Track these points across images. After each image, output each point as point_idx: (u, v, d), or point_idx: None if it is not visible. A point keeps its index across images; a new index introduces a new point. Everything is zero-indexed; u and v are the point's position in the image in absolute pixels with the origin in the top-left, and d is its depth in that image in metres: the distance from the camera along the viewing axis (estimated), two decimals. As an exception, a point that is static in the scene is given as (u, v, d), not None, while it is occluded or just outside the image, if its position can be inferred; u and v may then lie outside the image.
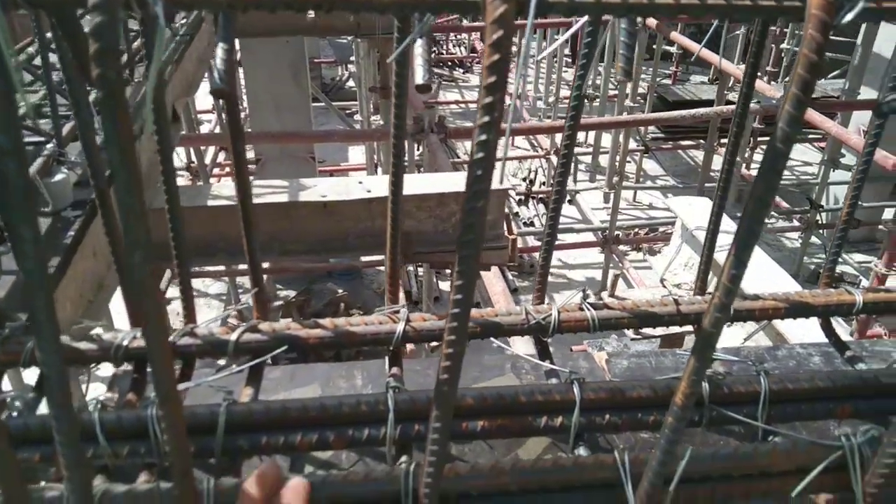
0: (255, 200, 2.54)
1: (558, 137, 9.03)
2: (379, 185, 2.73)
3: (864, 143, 0.91)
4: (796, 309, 0.93)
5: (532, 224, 8.15)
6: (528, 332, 0.90)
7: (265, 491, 0.59)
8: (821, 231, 7.13)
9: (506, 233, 2.76)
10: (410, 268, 6.53)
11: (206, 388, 0.85)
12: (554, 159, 8.52)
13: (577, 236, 7.41)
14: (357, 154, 9.39)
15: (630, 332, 5.63)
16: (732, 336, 3.03)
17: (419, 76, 0.69)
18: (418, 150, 4.68)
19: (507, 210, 2.95)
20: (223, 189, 2.69)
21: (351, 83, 11.25)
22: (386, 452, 0.74)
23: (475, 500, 0.63)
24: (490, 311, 0.90)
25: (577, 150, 9.39)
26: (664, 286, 3.92)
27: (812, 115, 4.72)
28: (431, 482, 0.58)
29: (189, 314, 0.90)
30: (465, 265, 0.50)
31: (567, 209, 8.58)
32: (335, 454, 0.90)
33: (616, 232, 6.78)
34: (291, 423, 0.74)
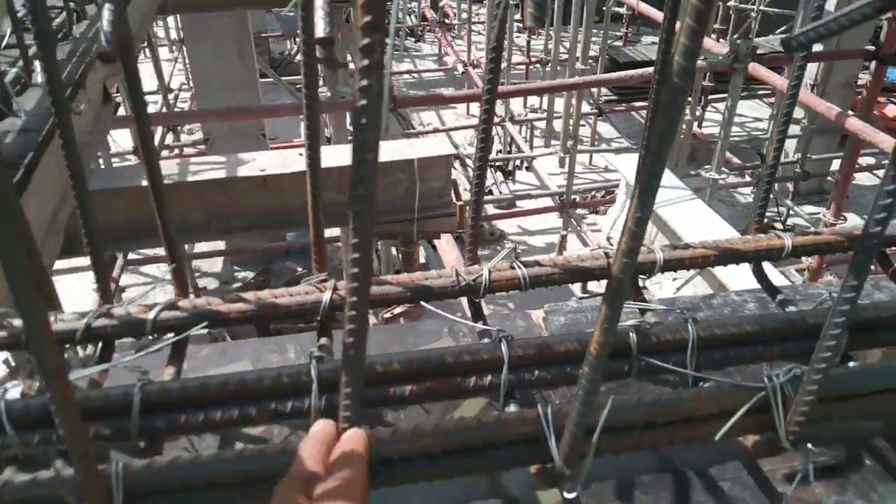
0: (193, 178, 2.47)
1: (513, 104, 9.00)
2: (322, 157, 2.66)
3: (787, 85, 0.90)
4: (726, 256, 0.92)
5: (490, 192, 8.13)
6: (460, 294, 0.88)
7: (320, 448, 0.56)
8: (773, 185, 7.24)
9: (454, 199, 2.74)
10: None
11: (131, 371, 0.82)
12: (509, 126, 8.49)
13: (535, 202, 7.41)
14: (310, 130, 9.21)
15: (579, 292, 5.69)
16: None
17: (320, 28, 0.66)
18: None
19: (454, 177, 2.92)
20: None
21: (300, 57, 11.00)
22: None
23: (398, 465, 0.61)
24: (419, 274, 0.88)
25: (531, 115, 9.37)
26: (609, 244, 3.95)
27: (759, 70, 4.75)
28: (347, 449, 0.56)
29: (105, 294, 0.86)
30: (360, 222, 0.48)
31: (524, 175, 8.58)
32: (267, 429, 0.88)
33: (573, 196, 6.80)
34: (211, 400, 0.71)
